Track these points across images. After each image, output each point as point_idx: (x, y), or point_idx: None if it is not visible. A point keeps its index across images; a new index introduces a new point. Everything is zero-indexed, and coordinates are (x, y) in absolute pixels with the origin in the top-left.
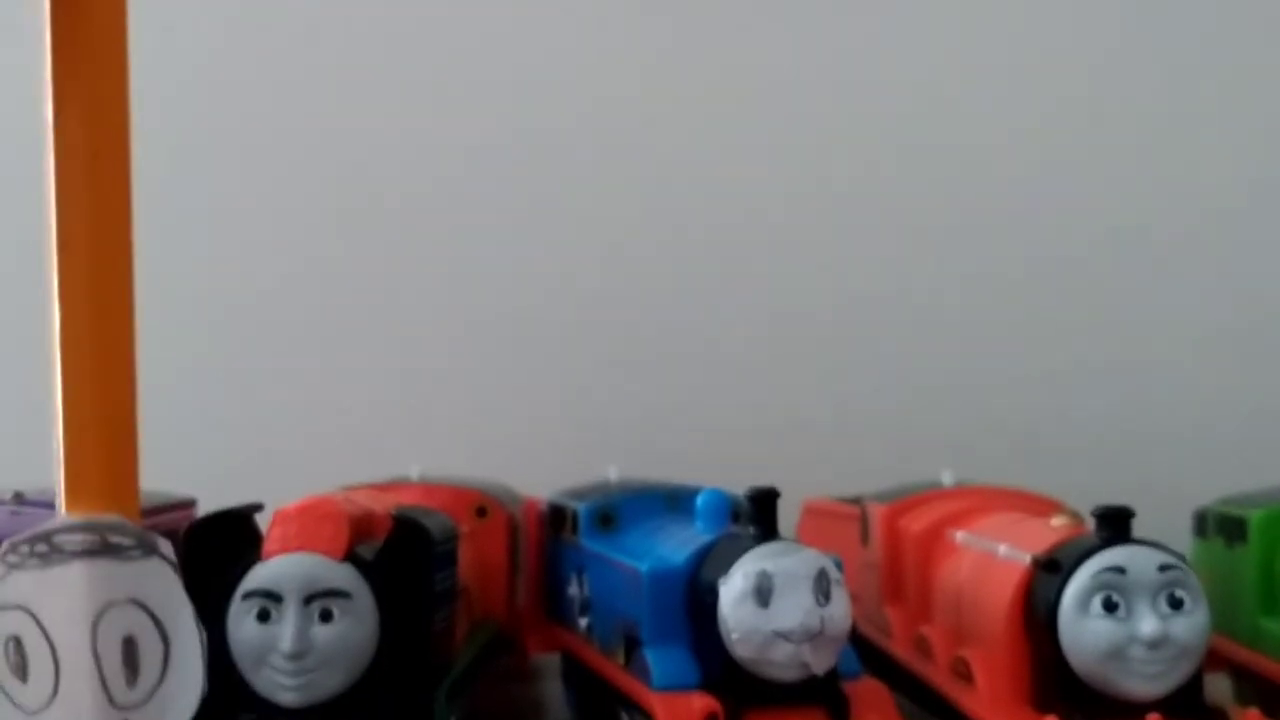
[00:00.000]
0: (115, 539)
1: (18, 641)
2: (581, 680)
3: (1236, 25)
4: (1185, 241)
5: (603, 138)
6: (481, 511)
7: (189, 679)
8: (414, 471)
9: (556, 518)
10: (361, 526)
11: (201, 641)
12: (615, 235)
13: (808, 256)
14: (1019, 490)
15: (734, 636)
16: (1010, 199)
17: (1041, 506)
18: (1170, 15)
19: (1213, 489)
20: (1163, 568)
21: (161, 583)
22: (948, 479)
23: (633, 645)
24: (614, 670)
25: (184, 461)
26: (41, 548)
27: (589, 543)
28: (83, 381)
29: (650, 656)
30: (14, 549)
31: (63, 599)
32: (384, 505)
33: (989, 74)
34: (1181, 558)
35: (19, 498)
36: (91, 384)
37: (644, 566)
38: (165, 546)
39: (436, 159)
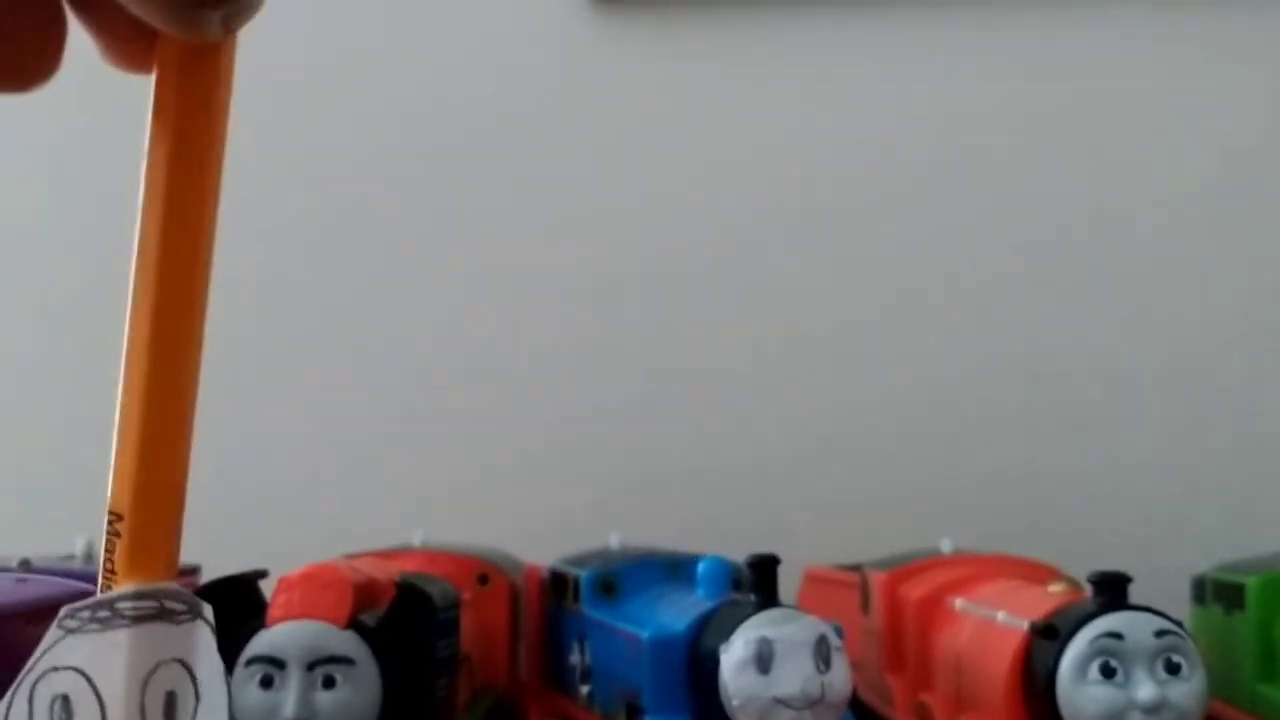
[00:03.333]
0: (170, 605)
1: (65, 700)
2: None
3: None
4: (1186, 306)
5: (603, 206)
6: (483, 579)
7: None
8: (416, 539)
9: (558, 585)
10: (365, 593)
11: (229, 696)
12: (618, 303)
13: (809, 325)
14: (1017, 557)
15: (735, 703)
16: (1007, 266)
17: (1039, 573)
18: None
19: (1210, 556)
20: (1160, 633)
21: (202, 643)
22: (946, 547)
23: (634, 713)
24: None
25: (188, 528)
26: (103, 613)
27: (590, 610)
28: (154, 455)
29: None
30: (73, 615)
31: (119, 659)
32: (387, 572)
33: (1009, 153)
34: (1179, 623)
35: (25, 565)
36: (159, 456)
37: (645, 634)
38: (208, 610)
39: (440, 224)
